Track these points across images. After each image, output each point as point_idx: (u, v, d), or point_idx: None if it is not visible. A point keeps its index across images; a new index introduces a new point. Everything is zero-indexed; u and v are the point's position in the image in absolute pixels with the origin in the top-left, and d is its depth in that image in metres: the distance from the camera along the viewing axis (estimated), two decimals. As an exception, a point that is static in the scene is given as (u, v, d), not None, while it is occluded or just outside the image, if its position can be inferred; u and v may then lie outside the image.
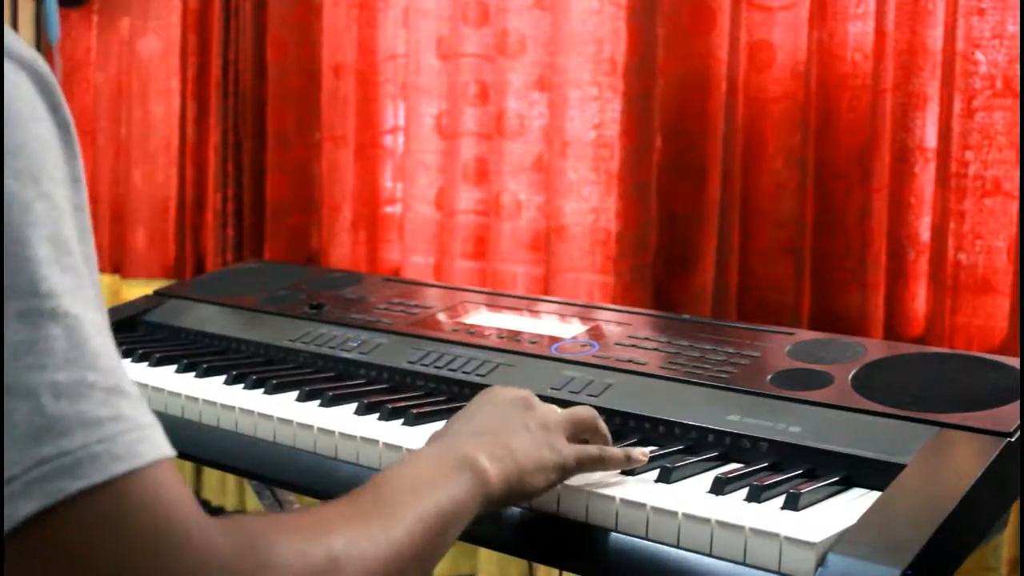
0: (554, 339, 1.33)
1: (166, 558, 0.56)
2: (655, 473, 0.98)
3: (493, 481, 0.83)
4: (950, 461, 0.96)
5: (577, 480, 0.95)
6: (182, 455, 1.29)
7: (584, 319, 1.41)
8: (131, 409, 0.58)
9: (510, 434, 0.89)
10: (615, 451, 0.97)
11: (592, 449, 0.96)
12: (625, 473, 0.99)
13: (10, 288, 0.55)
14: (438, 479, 0.79)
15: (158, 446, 0.58)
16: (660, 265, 1.95)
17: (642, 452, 0.99)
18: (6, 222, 0.55)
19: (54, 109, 0.62)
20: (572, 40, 2.04)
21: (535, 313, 1.46)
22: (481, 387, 1.24)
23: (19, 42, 0.61)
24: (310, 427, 1.14)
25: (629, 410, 1.14)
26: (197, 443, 1.23)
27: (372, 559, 0.66)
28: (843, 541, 0.82)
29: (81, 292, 0.58)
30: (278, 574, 0.59)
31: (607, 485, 0.95)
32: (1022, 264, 1.55)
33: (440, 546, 0.75)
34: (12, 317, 0.54)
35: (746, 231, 1.87)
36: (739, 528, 0.85)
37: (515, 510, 0.96)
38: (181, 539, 0.56)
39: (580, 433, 0.98)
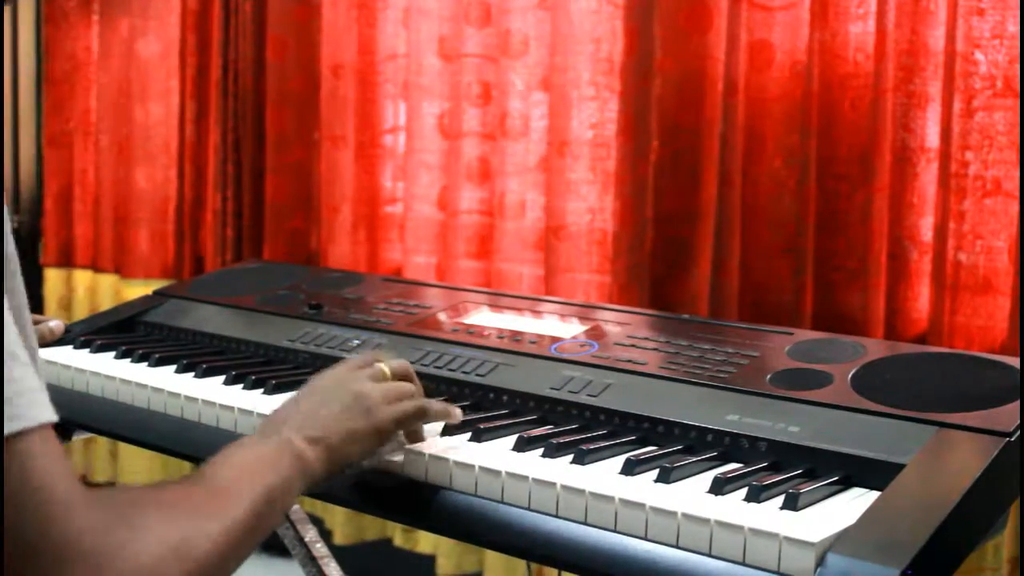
0: (554, 339, 1.33)
1: (50, 524, 0.62)
2: (655, 473, 0.98)
3: (311, 461, 0.93)
4: (950, 461, 0.96)
5: (578, 480, 0.95)
6: (182, 455, 1.30)
7: (584, 319, 1.40)
8: (20, 372, 0.63)
9: (325, 413, 0.98)
10: (435, 404, 1.07)
11: (407, 406, 1.03)
12: (625, 474, 0.99)
13: None
14: (264, 463, 0.89)
15: (46, 408, 0.64)
16: (657, 265, 1.95)
17: (459, 412, 1.09)
18: None
19: None
20: (570, 40, 2.04)
21: (535, 313, 1.46)
22: (481, 387, 1.25)
23: None
24: (309, 427, 1.13)
25: (628, 410, 1.14)
26: (197, 444, 1.23)
27: (217, 534, 0.76)
28: (842, 541, 0.82)
29: None
30: (146, 543, 0.67)
31: (605, 484, 0.95)
32: (1022, 264, 1.55)
33: (270, 521, 0.86)
34: None
35: (746, 231, 1.87)
36: (738, 528, 0.85)
37: (516, 511, 0.96)
38: (64, 507, 0.63)
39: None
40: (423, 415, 1.05)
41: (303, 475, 0.92)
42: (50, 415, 0.64)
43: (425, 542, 2.45)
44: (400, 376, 1.08)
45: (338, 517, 2.58)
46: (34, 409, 0.63)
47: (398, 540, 2.51)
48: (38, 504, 0.61)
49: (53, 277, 3.28)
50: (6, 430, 0.60)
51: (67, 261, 3.27)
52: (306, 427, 0.95)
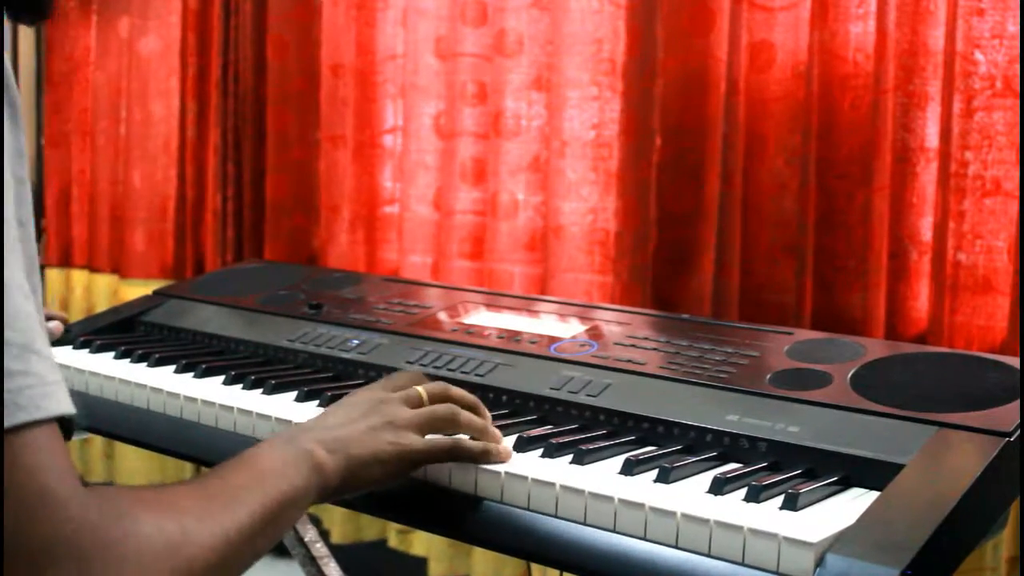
0: (553, 339, 1.33)
1: (44, 519, 0.61)
2: (654, 473, 0.98)
3: (329, 472, 0.90)
4: (949, 461, 0.96)
5: (577, 481, 0.95)
6: (181, 455, 1.30)
7: (583, 319, 1.40)
8: (39, 366, 0.64)
9: (350, 430, 0.96)
10: (471, 444, 1.01)
11: (442, 441, 1.00)
12: (624, 474, 0.99)
13: None
14: (279, 469, 0.86)
15: (59, 402, 0.64)
16: (659, 265, 1.94)
17: (506, 451, 1.02)
18: None
19: (5, 87, 0.68)
20: (571, 40, 2.04)
21: (534, 313, 1.46)
22: (480, 387, 1.24)
23: None
24: (309, 427, 1.13)
25: (628, 410, 1.14)
26: (195, 444, 1.23)
27: (217, 535, 0.74)
28: (842, 541, 0.82)
29: (9, 256, 0.64)
30: (138, 543, 0.66)
31: (604, 485, 0.94)
32: (1022, 264, 1.55)
33: (277, 529, 0.83)
34: None
35: (747, 231, 1.87)
36: (738, 528, 0.84)
37: (515, 511, 0.96)
38: (59, 503, 0.62)
39: (441, 428, 1.02)
40: (452, 454, 1.00)
41: (319, 485, 0.89)
42: (59, 407, 0.64)
43: (419, 544, 2.45)
44: (437, 399, 1.04)
45: (336, 516, 2.58)
46: (46, 400, 0.63)
47: (392, 541, 2.51)
48: (34, 498, 0.61)
49: (54, 277, 3.28)
50: (10, 422, 0.61)
51: (66, 261, 3.27)
52: (328, 438, 0.93)
